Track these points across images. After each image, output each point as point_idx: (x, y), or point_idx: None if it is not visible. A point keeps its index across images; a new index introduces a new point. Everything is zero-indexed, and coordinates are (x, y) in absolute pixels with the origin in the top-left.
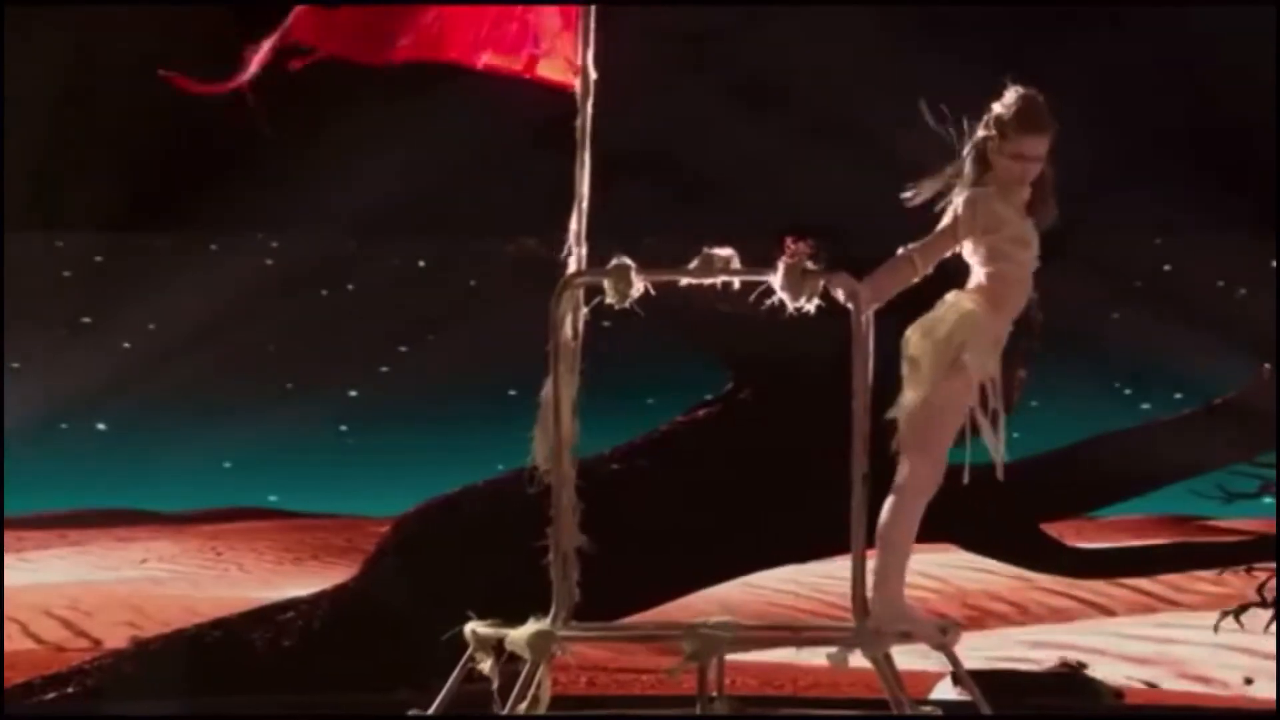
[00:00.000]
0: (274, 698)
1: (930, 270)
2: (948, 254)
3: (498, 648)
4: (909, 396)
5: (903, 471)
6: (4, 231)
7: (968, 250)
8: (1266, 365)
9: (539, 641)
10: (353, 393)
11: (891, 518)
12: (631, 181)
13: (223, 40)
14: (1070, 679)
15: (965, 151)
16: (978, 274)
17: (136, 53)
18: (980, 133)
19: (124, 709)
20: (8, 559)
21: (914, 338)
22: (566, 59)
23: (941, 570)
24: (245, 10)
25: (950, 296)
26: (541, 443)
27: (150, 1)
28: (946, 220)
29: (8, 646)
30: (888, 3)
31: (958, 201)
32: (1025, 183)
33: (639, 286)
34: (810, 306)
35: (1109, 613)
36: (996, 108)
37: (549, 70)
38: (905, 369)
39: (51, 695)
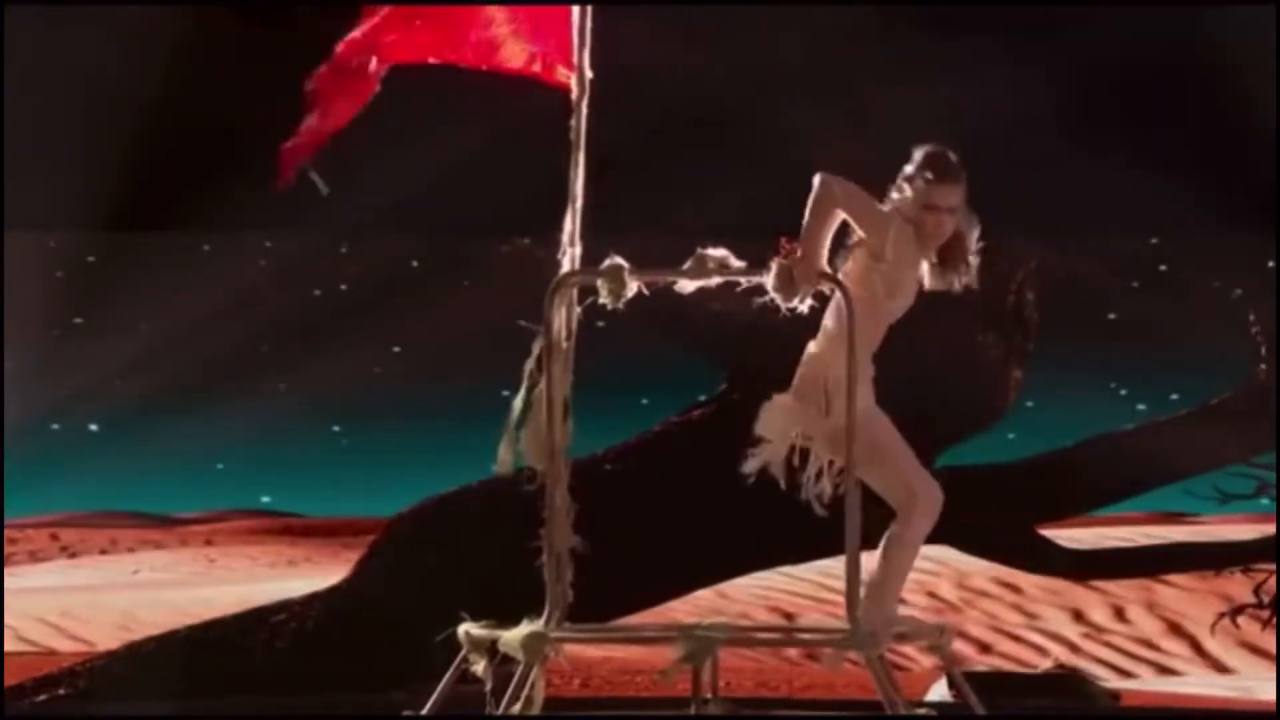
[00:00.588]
0: (268, 699)
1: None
2: (858, 221)
3: (491, 649)
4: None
5: (901, 500)
6: (3, 229)
7: (858, 254)
8: (1263, 365)
9: (532, 643)
10: (346, 393)
11: (898, 537)
12: (626, 181)
13: (218, 39)
14: (1066, 680)
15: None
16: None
17: (129, 52)
18: (894, 195)
19: (116, 710)
20: None
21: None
22: (563, 58)
23: (938, 551)
24: (244, 10)
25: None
26: (531, 443)
27: (147, 1)
28: (887, 206)
29: None
30: (889, 1)
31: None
32: (940, 236)
33: (632, 287)
34: (804, 307)
35: (1103, 593)
36: (907, 168)
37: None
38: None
39: (43, 697)
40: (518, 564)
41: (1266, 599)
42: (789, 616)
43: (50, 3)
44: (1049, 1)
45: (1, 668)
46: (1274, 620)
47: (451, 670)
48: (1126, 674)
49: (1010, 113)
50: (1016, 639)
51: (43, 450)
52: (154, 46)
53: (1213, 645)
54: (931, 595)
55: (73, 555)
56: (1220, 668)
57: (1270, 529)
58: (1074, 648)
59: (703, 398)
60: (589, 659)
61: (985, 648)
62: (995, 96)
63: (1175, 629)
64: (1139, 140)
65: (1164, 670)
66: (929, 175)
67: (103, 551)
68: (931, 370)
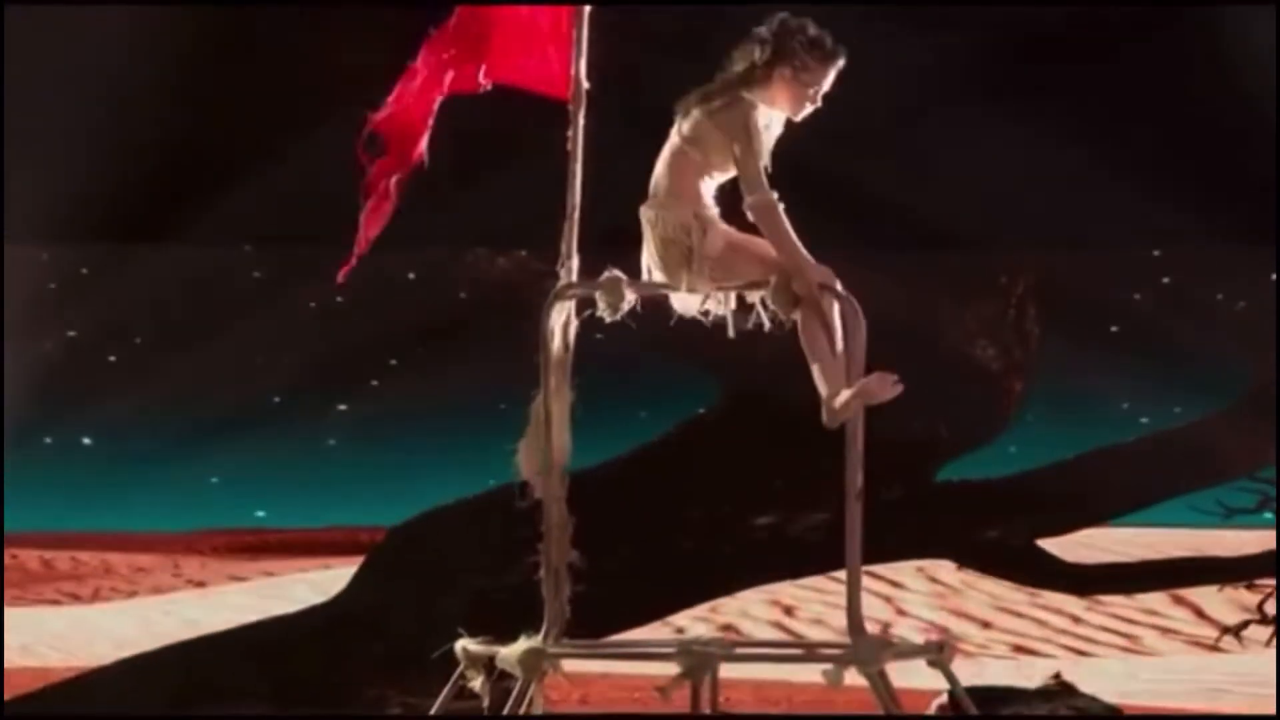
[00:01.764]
0: (263, 712)
1: None
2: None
3: (489, 665)
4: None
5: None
6: (4, 240)
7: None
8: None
9: (530, 659)
10: (342, 406)
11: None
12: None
13: (212, 51)
14: (1064, 694)
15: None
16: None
17: (122, 63)
18: (765, 52)
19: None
20: None
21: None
22: (560, 67)
23: None
24: (240, 19)
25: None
26: (530, 456)
27: (145, 3)
28: (740, 134)
29: None
30: (885, 3)
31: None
32: (799, 115)
33: (630, 299)
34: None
35: None
36: (779, 30)
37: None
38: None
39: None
40: (515, 579)
41: (1269, 614)
42: (789, 610)
43: (49, 4)
44: (1047, 4)
45: (1, 674)
46: (1276, 636)
47: (449, 686)
48: (1130, 638)
49: (1010, 123)
50: (1019, 615)
51: (35, 463)
52: (147, 57)
53: (1215, 612)
54: (933, 580)
55: (65, 576)
56: (1224, 628)
57: (1273, 544)
58: (1076, 619)
59: (701, 411)
60: (587, 674)
61: (986, 624)
62: (994, 107)
63: (1178, 599)
64: (1141, 151)
65: (1167, 631)
66: (822, 55)
67: (96, 574)
68: (932, 385)
